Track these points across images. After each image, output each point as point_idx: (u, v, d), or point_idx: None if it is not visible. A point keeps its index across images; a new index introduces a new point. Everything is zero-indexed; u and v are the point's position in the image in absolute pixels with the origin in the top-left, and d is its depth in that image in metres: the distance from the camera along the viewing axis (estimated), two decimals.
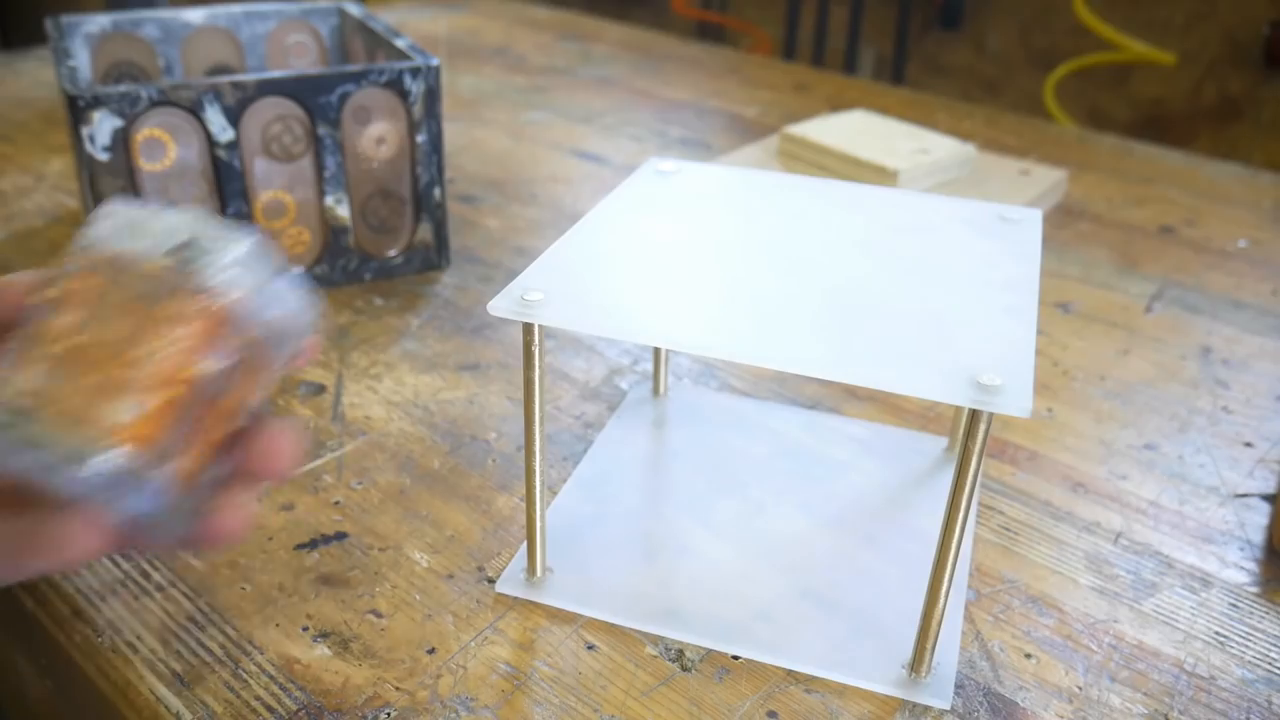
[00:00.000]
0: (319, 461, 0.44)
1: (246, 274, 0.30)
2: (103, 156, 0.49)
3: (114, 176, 0.50)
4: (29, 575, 0.29)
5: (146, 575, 0.38)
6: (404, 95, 0.55)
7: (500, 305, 0.33)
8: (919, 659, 0.34)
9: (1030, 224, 0.40)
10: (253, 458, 0.31)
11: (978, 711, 0.34)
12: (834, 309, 0.34)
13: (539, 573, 0.38)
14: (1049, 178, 0.73)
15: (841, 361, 0.31)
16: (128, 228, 0.30)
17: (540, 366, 0.34)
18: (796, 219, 0.40)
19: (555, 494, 0.42)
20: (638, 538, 0.40)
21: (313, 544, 0.40)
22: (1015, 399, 0.29)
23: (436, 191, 0.58)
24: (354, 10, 0.67)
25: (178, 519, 0.30)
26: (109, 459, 0.27)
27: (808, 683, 0.34)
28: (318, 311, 0.32)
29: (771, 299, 0.34)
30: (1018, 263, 0.37)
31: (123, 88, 0.49)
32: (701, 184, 0.43)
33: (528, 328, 0.33)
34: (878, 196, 0.43)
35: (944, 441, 0.47)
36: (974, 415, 0.30)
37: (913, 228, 0.40)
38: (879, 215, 0.41)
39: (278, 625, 0.36)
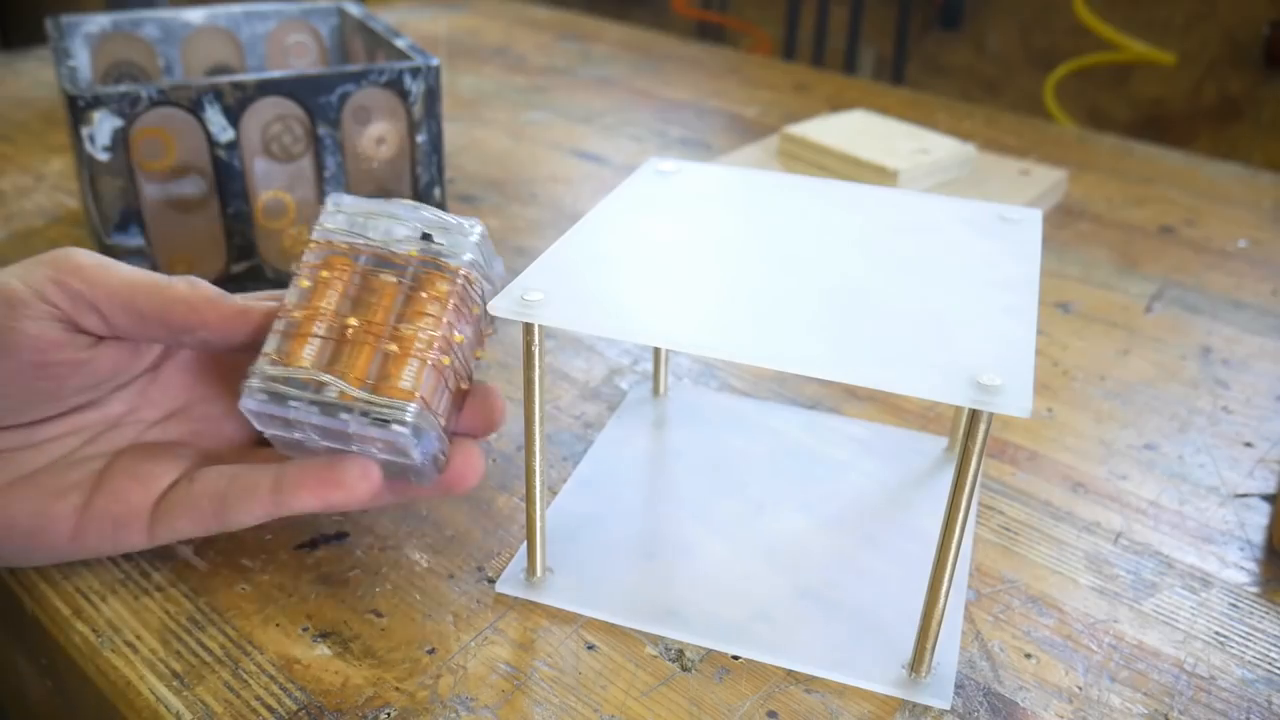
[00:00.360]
0: None
1: (479, 257, 0.35)
2: (103, 156, 0.49)
3: (114, 176, 0.50)
4: (328, 508, 0.35)
5: (146, 575, 0.38)
6: (404, 95, 0.55)
7: (500, 305, 0.33)
8: (919, 659, 0.34)
9: (1030, 224, 0.40)
10: (475, 415, 0.37)
11: (978, 711, 0.34)
12: (833, 308, 0.34)
13: (539, 573, 0.38)
14: (1049, 178, 0.73)
15: (841, 361, 0.31)
16: (361, 218, 0.35)
17: (540, 366, 0.34)
18: (796, 219, 0.40)
19: (555, 494, 0.42)
20: (638, 538, 0.40)
21: (313, 544, 0.40)
22: (1015, 399, 0.29)
23: (436, 191, 0.58)
24: (354, 10, 0.67)
25: (435, 467, 0.36)
26: (409, 415, 0.33)
27: (808, 683, 0.34)
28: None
29: (771, 298, 0.34)
30: (1018, 263, 0.37)
31: (123, 88, 0.49)
32: (701, 184, 0.43)
33: (527, 328, 0.33)
34: (877, 196, 0.43)
35: (944, 441, 0.47)
36: (974, 415, 0.30)
37: (912, 227, 0.40)
38: (879, 215, 0.41)
39: (278, 625, 0.36)
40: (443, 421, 0.35)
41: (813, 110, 0.90)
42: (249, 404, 0.34)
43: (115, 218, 0.51)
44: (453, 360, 0.35)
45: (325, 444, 0.35)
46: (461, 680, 0.34)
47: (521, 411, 0.47)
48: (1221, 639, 0.37)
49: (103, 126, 0.49)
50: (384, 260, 0.35)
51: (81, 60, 0.63)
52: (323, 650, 0.35)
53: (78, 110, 0.48)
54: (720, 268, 0.37)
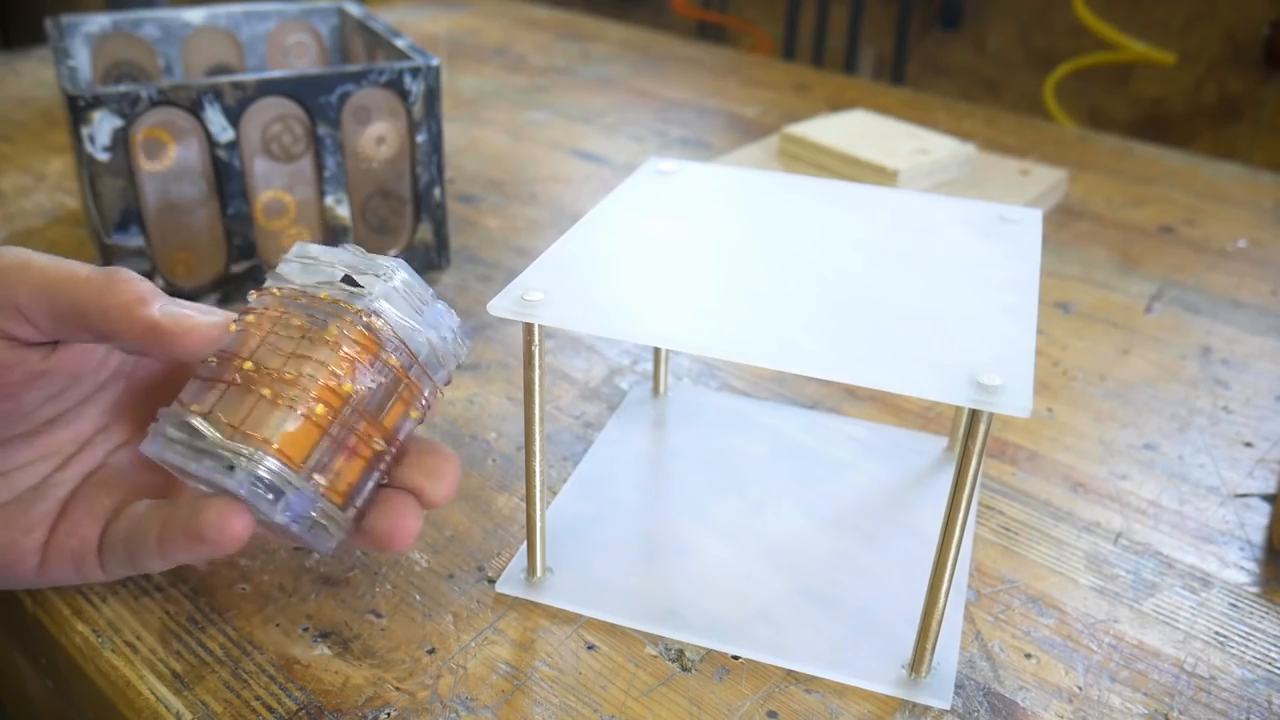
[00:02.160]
0: None
1: (401, 301, 0.33)
2: (103, 156, 0.49)
3: (114, 176, 0.50)
4: (185, 560, 0.33)
5: (146, 575, 0.38)
6: (404, 95, 0.55)
7: (500, 305, 0.33)
8: (919, 659, 0.34)
9: (1030, 224, 0.40)
10: (413, 477, 0.34)
11: (978, 711, 0.34)
12: (832, 308, 0.34)
13: (539, 573, 0.38)
14: (1049, 178, 0.73)
15: (840, 361, 0.31)
16: (306, 264, 0.34)
17: (540, 366, 0.34)
18: (796, 219, 0.40)
19: (555, 494, 0.42)
20: (637, 538, 0.40)
21: None
22: (1015, 399, 0.29)
23: (436, 191, 0.58)
24: (354, 10, 0.67)
25: (333, 526, 0.32)
26: (260, 468, 0.30)
27: (808, 682, 0.34)
28: (469, 340, 0.35)
29: (770, 298, 0.34)
30: (1017, 263, 0.37)
31: (123, 88, 0.49)
32: (701, 184, 0.43)
33: (528, 328, 0.33)
34: (877, 196, 0.43)
35: (944, 441, 0.47)
36: (974, 415, 0.30)
37: (912, 228, 0.40)
38: (878, 215, 0.41)
39: (278, 625, 0.36)
40: (323, 481, 0.31)
41: (813, 110, 0.90)
42: (148, 449, 0.32)
43: (115, 218, 0.51)
44: (340, 413, 0.31)
45: (210, 492, 0.32)
46: (461, 680, 0.34)
47: (522, 411, 0.47)
48: (1221, 639, 0.37)
49: (103, 126, 0.49)
50: (307, 306, 0.32)
51: (81, 60, 0.63)
52: (323, 650, 0.35)
53: (78, 110, 0.48)
54: (720, 267, 0.37)
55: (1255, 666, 0.36)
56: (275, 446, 0.30)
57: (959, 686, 0.34)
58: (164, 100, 0.50)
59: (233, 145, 0.52)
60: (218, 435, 0.30)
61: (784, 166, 0.74)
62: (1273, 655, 0.36)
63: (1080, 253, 0.67)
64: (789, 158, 0.76)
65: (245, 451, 0.30)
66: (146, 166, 0.52)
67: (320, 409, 0.31)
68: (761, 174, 0.45)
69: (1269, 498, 0.44)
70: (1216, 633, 0.37)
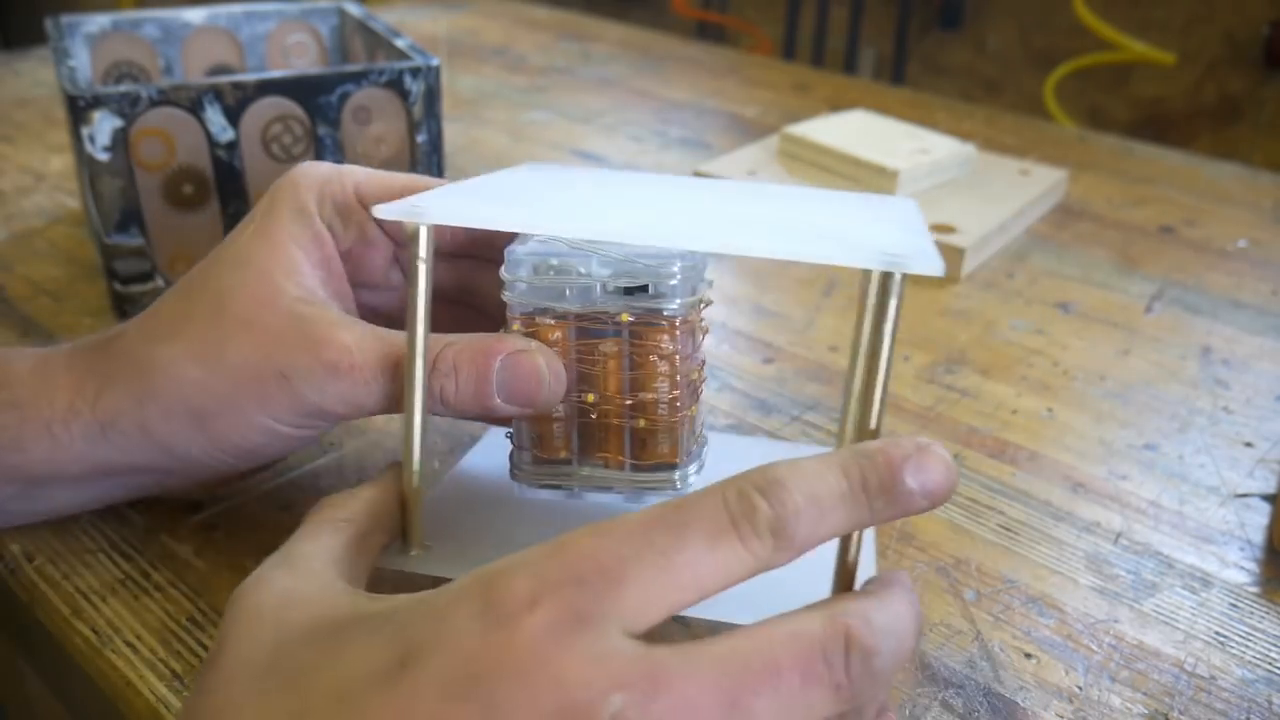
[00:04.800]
0: (319, 462, 0.44)
1: (690, 286, 0.35)
2: (103, 156, 0.49)
3: (114, 176, 0.50)
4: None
5: (146, 575, 0.38)
6: (404, 95, 0.55)
7: (391, 210, 0.31)
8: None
9: (907, 202, 0.40)
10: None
11: (978, 711, 0.34)
12: (733, 218, 0.35)
13: (415, 549, 0.34)
14: (1049, 178, 0.73)
15: (750, 241, 0.30)
16: (548, 274, 0.35)
17: (426, 284, 0.31)
18: (690, 188, 0.42)
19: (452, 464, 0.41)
20: (527, 516, 0.38)
21: None
22: (925, 260, 0.28)
23: None
24: (354, 10, 0.67)
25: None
26: (679, 483, 0.35)
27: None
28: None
29: (673, 209, 0.36)
30: (904, 213, 0.37)
31: (123, 88, 0.49)
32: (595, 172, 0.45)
33: (414, 237, 0.31)
34: (761, 184, 0.46)
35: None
36: (885, 280, 0.28)
37: (798, 195, 0.42)
38: (766, 189, 0.44)
39: None
40: (699, 435, 0.36)
41: (813, 110, 0.90)
42: (525, 494, 0.35)
43: (115, 217, 0.51)
44: (694, 396, 0.35)
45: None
46: None
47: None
48: (1221, 639, 0.37)
49: (103, 126, 0.49)
50: (592, 322, 0.33)
51: (81, 60, 0.63)
52: None
53: (78, 110, 0.48)
54: (616, 197, 0.38)
55: (1255, 666, 0.36)
56: (680, 457, 0.35)
57: (959, 686, 0.34)
58: (164, 100, 0.50)
59: (233, 145, 0.52)
60: (623, 474, 0.35)
61: (784, 166, 0.74)
62: (1273, 655, 0.36)
63: (1080, 253, 0.67)
64: (789, 158, 0.76)
65: (661, 478, 0.34)
66: (146, 166, 0.52)
67: (689, 412, 0.35)
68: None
69: (1269, 498, 0.44)
70: (1217, 633, 0.37)
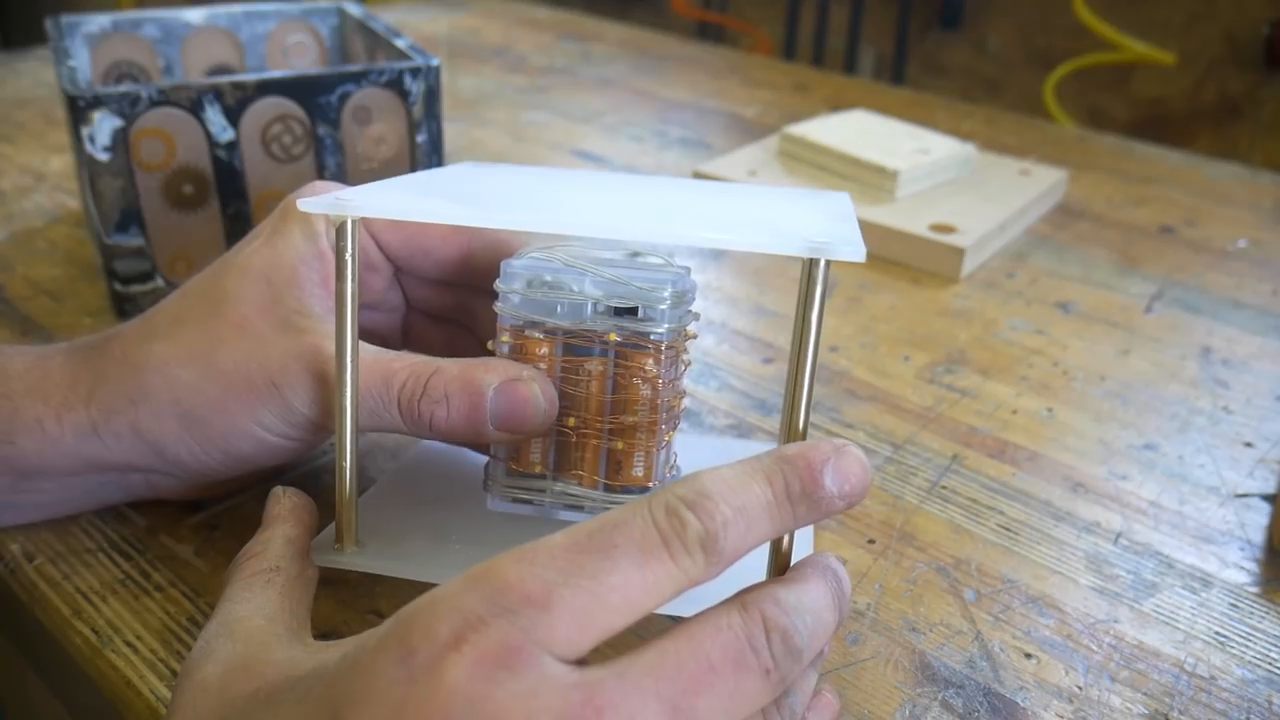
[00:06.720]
0: (319, 462, 0.44)
1: (679, 311, 0.35)
2: (103, 156, 0.49)
3: (114, 176, 0.50)
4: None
5: (146, 575, 0.38)
6: (404, 95, 0.55)
7: (315, 204, 0.30)
8: None
9: (840, 195, 0.41)
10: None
11: (978, 711, 0.34)
12: (665, 208, 0.36)
13: (352, 545, 0.34)
14: (1049, 178, 0.73)
15: (684, 230, 0.30)
16: (539, 289, 0.35)
17: (354, 278, 0.31)
18: (631, 184, 0.43)
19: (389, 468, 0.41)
20: (463, 517, 0.37)
21: None
22: (850, 248, 0.28)
23: None
24: (354, 10, 0.67)
25: None
26: None
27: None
28: None
29: (611, 202, 0.36)
30: (835, 204, 0.38)
31: (123, 88, 0.49)
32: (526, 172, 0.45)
33: (341, 231, 0.30)
34: (714, 182, 0.47)
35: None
36: (811, 267, 0.29)
37: (738, 191, 0.43)
38: (711, 186, 0.44)
39: None
40: (672, 463, 0.36)
41: (813, 110, 0.90)
42: (495, 506, 0.35)
43: (115, 218, 0.51)
44: (673, 422, 0.35)
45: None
46: None
47: None
48: (1221, 639, 0.37)
49: (103, 126, 0.49)
50: (579, 340, 0.34)
51: (81, 60, 0.63)
52: None
53: (78, 110, 0.48)
54: (554, 192, 0.38)
55: (1255, 666, 0.36)
56: (653, 481, 0.35)
57: (959, 686, 0.34)
58: (164, 100, 0.50)
59: (233, 145, 0.52)
60: (595, 493, 0.35)
61: (784, 167, 0.74)
62: (1273, 655, 0.36)
63: (1080, 253, 0.67)
64: (789, 158, 0.76)
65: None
66: (146, 166, 0.52)
67: (667, 437, 0.35)
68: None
69: (1269, 498, 0.44)
70: (1216, 633, 0.37)
